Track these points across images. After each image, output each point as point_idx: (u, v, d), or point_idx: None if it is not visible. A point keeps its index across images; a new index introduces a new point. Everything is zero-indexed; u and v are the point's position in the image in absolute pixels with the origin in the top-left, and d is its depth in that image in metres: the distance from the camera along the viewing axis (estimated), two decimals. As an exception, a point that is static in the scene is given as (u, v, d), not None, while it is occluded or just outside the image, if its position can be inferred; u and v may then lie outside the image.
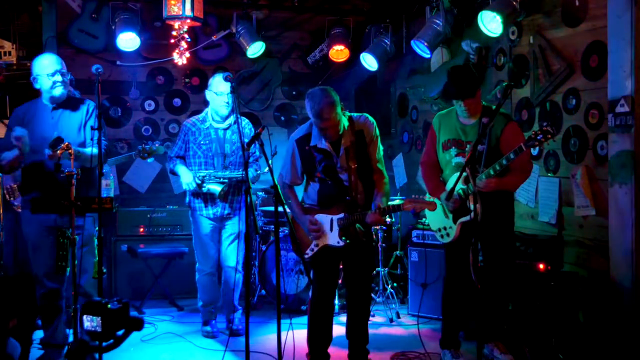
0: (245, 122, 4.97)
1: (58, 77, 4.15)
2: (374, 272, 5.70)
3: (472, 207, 3.48)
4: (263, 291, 5.75)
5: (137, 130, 6.69)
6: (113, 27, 5.98)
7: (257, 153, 4.92)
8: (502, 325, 4.25)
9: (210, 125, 4.90)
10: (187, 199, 4.98)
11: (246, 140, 3.81)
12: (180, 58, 5.89)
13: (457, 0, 5.43)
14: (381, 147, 4.03)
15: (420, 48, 5.50)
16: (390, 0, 6.44)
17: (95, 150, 3.87)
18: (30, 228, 4.20)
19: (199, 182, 4.76)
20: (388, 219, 5.72)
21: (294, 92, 7.16)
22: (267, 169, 3.85)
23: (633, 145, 3.95)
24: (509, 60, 5.13)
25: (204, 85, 6.72)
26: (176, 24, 5.66)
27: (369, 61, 6.20)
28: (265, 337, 4.80)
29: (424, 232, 5.29)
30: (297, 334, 4.15)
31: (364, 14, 6.74)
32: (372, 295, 5.67)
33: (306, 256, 4.03)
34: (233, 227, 4.92)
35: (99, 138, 3.76)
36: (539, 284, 4.24)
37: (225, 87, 4.70)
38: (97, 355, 3.28)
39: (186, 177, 4.80)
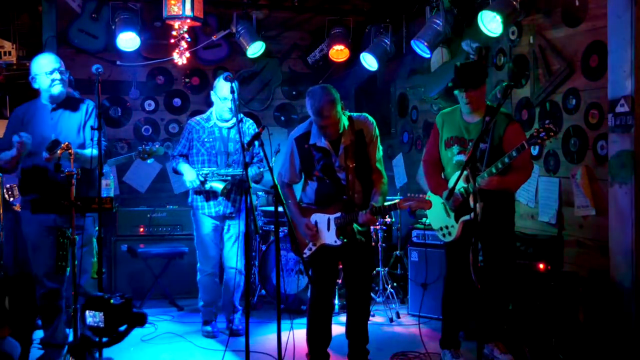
0: (249, 122, 4.98)
1: (56, 75, 4.14)
2: (374, 272, 5.70)
3: (473, 206, 3.48)
4: (263, 291, 5.75)
5: (137, 130, 6.69)
6: (113, 27, 5.98)
7: (262, 154, 4.92)
8: (502, 325, 4.25)
9: (214, 124, 4.91)
10: (190, 198, 4.98)
11: (248, 139, 3.81)
12: (180, 58, 5.88)
13: (457, 0, 5.43)
14: (380, 147, 4.03)
15: (420, 48, 5.50)
16: (390, 0, 6.44)
17: (95, 152, 3.86)
18: (30, 228, 4.19)
19: (202, 179, 4.77)
20: (388, 219, 5.72)
21: (294, 92, 7.16)
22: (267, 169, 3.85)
23: (633, 145, 3.95)
24: (509, 60, 5.13)
25: (204, 85, 6.76)
26: (176, 24, 5.66)
27: (369, 61, 6.20)
28: (265, 337, 4.80)
29: (424, 232, 5.29)
30: (297, 334, 4.15)
31: (364, 14, 6.74)
32: (372, 295, 5.67)
33: (304, 255, 4.03)
34: (235, 227, 4.92)
35: (99, 138, 3.76)
36: (539, 284, 4.24)
37: (229, 91, 4.71)
38: (97, 354, 3.29)
39: (189, 175, 4.80)
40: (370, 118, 4.01)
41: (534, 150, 4.80)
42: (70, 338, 3.81)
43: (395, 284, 5.73)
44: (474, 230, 3.53)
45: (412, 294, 5.43)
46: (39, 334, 4.38)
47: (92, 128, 3.81)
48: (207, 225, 4.91)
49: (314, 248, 3.99)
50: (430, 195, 4.28)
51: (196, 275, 5.07)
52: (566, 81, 4.56)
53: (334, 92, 3.79)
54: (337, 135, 3.88)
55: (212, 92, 4.92)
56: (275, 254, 3.58)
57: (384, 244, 5.65)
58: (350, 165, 3.89)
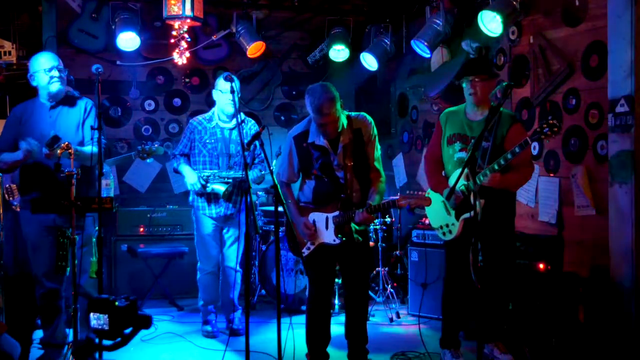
0: (251, 123, 4.98)
1: (55, 73, 4.14)
2: (374, 272, 5.70)
3: (474, 204, 3.48)
4: (263, 291, 5.75)
5: (137, 130, 6.69)
6: (113, 27, 5.98)
7: (262, 155, 4.91)
8: (502, 325, 4.25)
9: (216, 125, 4.90)
10: (191, 198, 4.98)
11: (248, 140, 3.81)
12: (180, 58, 5.88)
13: (457, 0, 5.43)
14: (379, 147, 4.03)
15: (420, 48, 5.50)
16: (390, 0, 6.44)
17: (94, 149, 3.86)
18: (29, 228, 4.19)
19: (204, 182, 4.76)
20: (388, 219, 5.72)
21: (293, 92, 7.17)
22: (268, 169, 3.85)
23: (633, 145, 3.95)
24: (509, 60, 5.13)
25: (204, 85, 6.76)
26: (176, 24, 5.66)
27: (369, 61, 6.20)
28: (265, 337, 4.80)
29: (424, 232, 5.29)
30: (297, 334, 4.15)
31: (364, 13, 6.74)
32: (372, 295, 5.67)
33: (303, 255, 4.03)
34: (235, 227, 4.92)
35: (99, 138, 3.76)
36: (539, 284, 4.24)
37: (229, 85, 4.71)
38: (97, 354, 3.28)
39: (191, 178, 4.80)
40: (369, 117, 4.01)
41: (534, 150, 4.80)
42: (70, 338, 3.81)
43: (395, 284, 5.73)
44: (474, 229, 3.53)
45: (412, 294, 5.43)
46: (39, 334, 4.38)
47: (92, 128, 3.81)
48: (208, 225, 4.91)
49: (312, 247, 3.99)
50: (429, 193, 4.28)
51: (196, 275, 5.08)
52: (566, 81, 4.55)
53: (334, 90, 3.80)
54: (336, 134, 3.88)
55: (213, 90, 4.92)
56: (275, 254, 3.58)
57: (384, 244, 5.65)
58: (349, 164, 3.89)
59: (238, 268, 4.90)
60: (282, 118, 7.15)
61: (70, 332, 3.88)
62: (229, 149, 4.88)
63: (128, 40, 5.89)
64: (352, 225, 3.91)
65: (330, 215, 3.93)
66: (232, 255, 4.89)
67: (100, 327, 2.43)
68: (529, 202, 4.90)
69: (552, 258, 4.40)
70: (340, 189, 3.92)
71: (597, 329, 4.06)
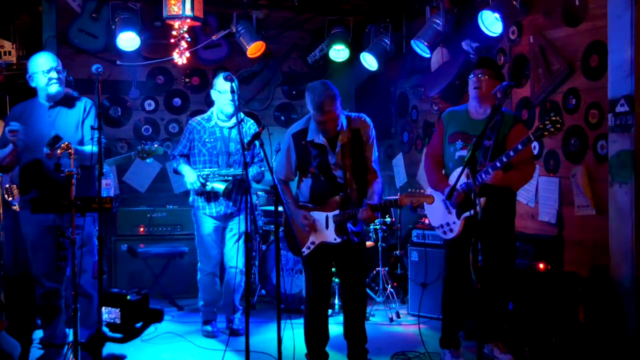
0: (250, 123, 4.98)
1: (53, 74, 4.14)
2: (374, 271, 5.70)
3: (474, 202, 3.48)
4: (263, 291, 5.75)
5: (137, 130, 6.69)
6: (113, 26, 5.98)
7: (262, 154, 4.92)
8: (502, 325, 4.25)
9: (215, 124, 4.90)
10: (191, 198, 4.98)
11: (248, 140, 3.81)
12: (180, 58, 5.89)
13: (457, 0, 5.43)
14: (376, 148, 4.03)
15: (420, 48, 5.50)
16: (390, 0, 6.44)
17: (94, 149, 3.86)
18: (29, 228, 4.19)
19: (203, 181, 4.77)
20: (388, 219, 5.72)
21: (294, 92, 7.17)
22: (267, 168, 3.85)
23: (633, 145, 3.95)
24: (509, 60, 5.13)
25: (204, 85, 6.76)
26: (176, 24, 5.66)
27: (369, 61, 6.20)
28: (265, 337, 4.80)
29: (424, 231, 5.29)
30: (297, 334, 4.15)
31: (364, 13, 6.74)
32: (372, 295, 5.68)
33: (303, 254, 4.03)
34: (236, 226, 4.92)
35: (99, 138, 3.76)
36: (539, 284, 4.24)
37: (228, 85, 4.71)
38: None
39: (190, 177, 4.80)
40: (368, 119, 4.01)
41: (534, 150, 4.80)
42: (70, 338, 3.81)
43: (395, 284, 5.73)
44: (475, 229, 3.53)
45: (412, 294, 5.43)
46: (39, 334, 4.37)
47: (92, 128, 3.81)
48: (208, 225, 4.91)
49: (312, 247, 3.99)
50: (430, 191, 4.28)
51: (196, 275, 5.08)
52: (566, 81, 4.55)
53: (334, 88, 3.81)
54: (335, 132, 3.88)
55: (211, 90, 4.92)
56: (275, 254, 3.58)
57: (384, 244, 5.65)
58: (348, 163, 3.89)
59: (241, 267, 4.89)
60: (282, 118, 7.15)
61: (70, 332, 3.87)
62: (229, 148, 4.88)
63: (128, 40, 5.89)
64: (349, 225, 3.91)
65: (330, 215, 3.93)
66: (234, 254, 4.88)
67: (112, 320, 2.44)
68: (529, 202, 4.90)
69: (552, 258, 4.40)
70: (336, 188, 3.92)
71: (597, 329, 4.06)
